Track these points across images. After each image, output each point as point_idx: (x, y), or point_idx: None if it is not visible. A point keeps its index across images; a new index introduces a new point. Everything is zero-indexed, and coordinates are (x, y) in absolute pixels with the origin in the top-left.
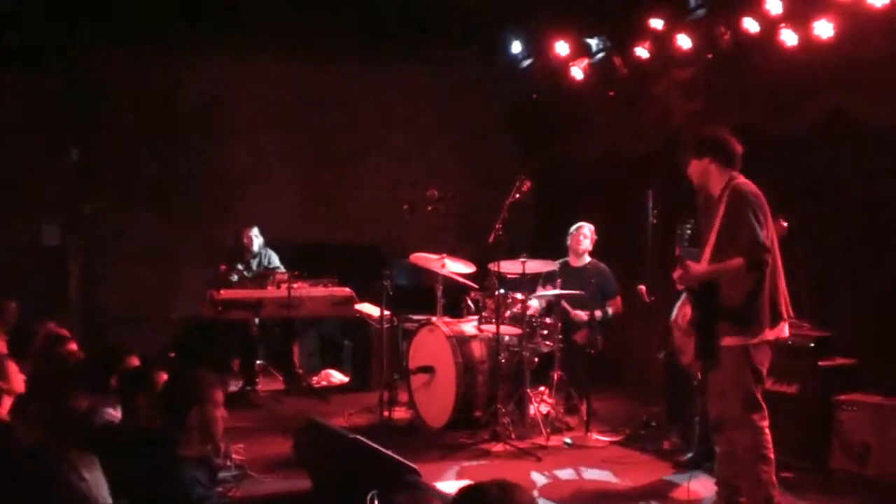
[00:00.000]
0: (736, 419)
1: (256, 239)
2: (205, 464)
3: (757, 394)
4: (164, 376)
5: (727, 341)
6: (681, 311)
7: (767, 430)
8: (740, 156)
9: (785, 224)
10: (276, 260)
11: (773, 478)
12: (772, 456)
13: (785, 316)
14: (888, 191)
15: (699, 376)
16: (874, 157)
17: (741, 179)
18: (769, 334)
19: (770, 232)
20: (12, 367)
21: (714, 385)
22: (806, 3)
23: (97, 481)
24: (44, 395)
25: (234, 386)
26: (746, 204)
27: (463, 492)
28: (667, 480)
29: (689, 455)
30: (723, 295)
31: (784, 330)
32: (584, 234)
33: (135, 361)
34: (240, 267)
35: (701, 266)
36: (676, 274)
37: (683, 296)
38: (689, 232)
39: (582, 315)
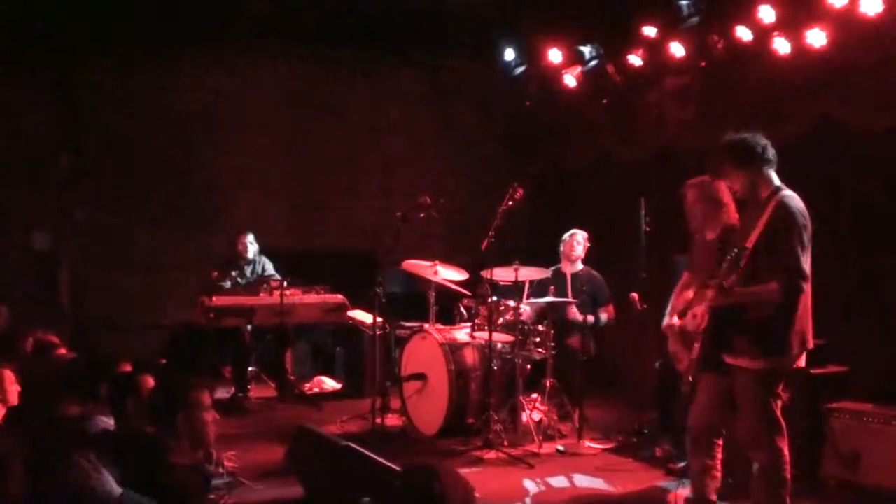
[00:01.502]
0: (761, 440)
1: (251, 246)
2: (197, 471)
3: (778, 414)
4: (152, 382)
5: (746, 363)
6: (691, 315)
7: (786, 451)
8: (776, 157)
9: None
10: (270, 268)
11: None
12: (789, 477)
13: (809, 345)
14: (880, 198)
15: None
16: (867, 164)
17: (788, 191)
18: (796, 362)
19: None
20: (8, 377)
21: (715, 391)
22: (799, 11)
23: (101, 475)
24: (35, 402)
25: (226, 393)
26: (794, 224)
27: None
28: (659, 487)
29: (683, 464)
30: (749, 315)
31: (802, 360)
32: (578, 241)
33: (126, 368)
34: (234, 274)
35: (738, 288)
36: (710, 295)
37: (671, 302)
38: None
39: (577, 314)
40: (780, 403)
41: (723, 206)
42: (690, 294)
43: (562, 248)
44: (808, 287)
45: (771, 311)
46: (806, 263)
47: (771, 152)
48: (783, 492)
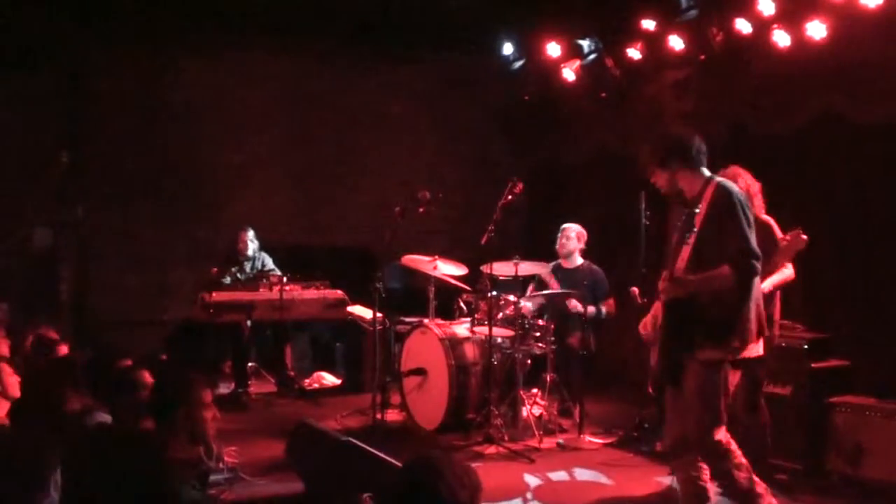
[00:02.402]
0: (702, 438)
1: (252, 243)
2: (195, 466)
3: (722, 408)
4: (149, 378)
5: (703, 354)
6: (641, 325)
7: (732, 442)
8: (704, 150)
9: (804, 237)
10: (269, 263)
11: (753, 479)
12: (744, 461)
13: (765, 333)
14: (881, 191)
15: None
16: (867, 157)
17: (721, 178)
18: (750, 350)
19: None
20: (7, 371)
21: (678, 403)
22: (798, 3)
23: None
24: (36, 398)
25: (226, 388)
26: (735, 205)
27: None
28: (659, 482)
29: None
30: (702, 304)
31: (759, 348)
32: (568, 236)
33: (127, 364)
34: (234, 270)
35: (690, 277)
36: (662, 285)
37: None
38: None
39: (578, 306)
40: (726, 404)
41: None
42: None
43: (556, 245)
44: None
45: (724, 296)
46: (754, 244)
47: (699, 149)
48: (746, 473)
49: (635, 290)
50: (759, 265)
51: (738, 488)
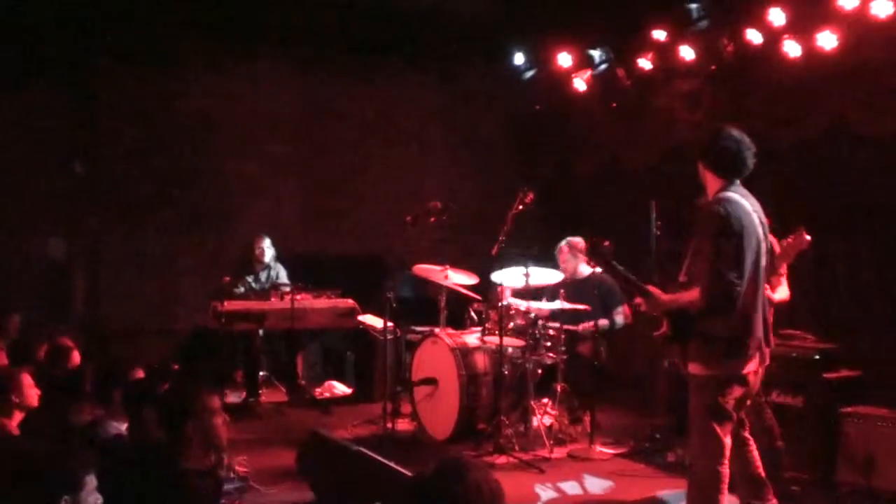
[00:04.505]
0: (694, 449)
1: (268, 250)
2: (210, 476)
3: (717, 431)
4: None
5: (692, 368)
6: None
7: (724, 471)
8: (738, 159)
9: (808, 237)
10: (283, 275)
11: None
12: (723, 498)
13: (767, 346)
14: (892, 201)
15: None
16: (877, 167)
17: (725, 194)
18: (740, 368)
19: (750, 260)
20: (27, 381)
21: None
22: (809, 14)
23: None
24: (49, 408)
25: (237, 397)
26: (707, 230)
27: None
28: (671, 493)
29: None
30: (694, 320)
31: (765, 359)
32: (565, 258)
33: (139, 374)
34: (249, 279)
35: (664, 295)
36: (637, 300)
37: None
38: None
39: (587, 325)
40: (726, 425)
41: None
42: None
43: (559, 268)
44: (751, 291)
45: (710, 316)
46: (733, 268)
47: (721, 155)
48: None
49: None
50: (733, 292)
51: None
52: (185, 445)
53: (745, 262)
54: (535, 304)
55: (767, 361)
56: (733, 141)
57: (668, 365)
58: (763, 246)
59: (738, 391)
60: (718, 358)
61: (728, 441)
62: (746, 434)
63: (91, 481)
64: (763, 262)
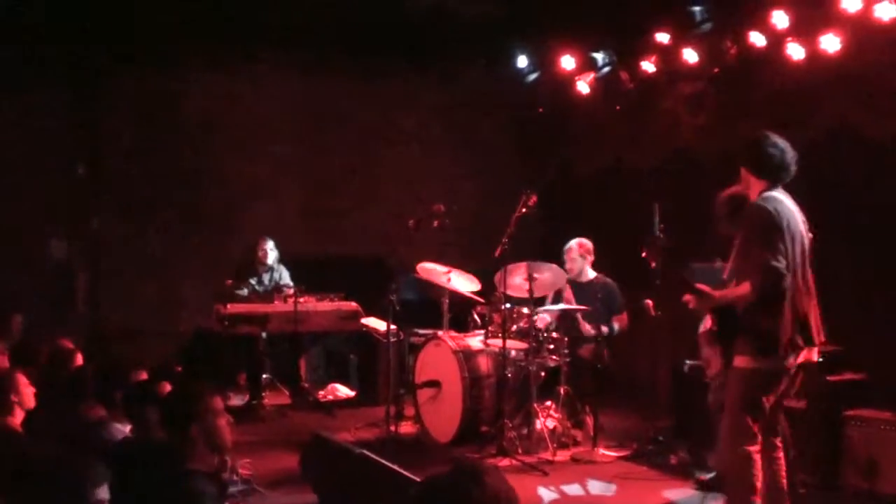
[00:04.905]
0: (725, 442)
1: (271, 252)
2: (214, 477)
3: (749, 423)
4: (169, 389)
5: (738, 361)
6: (704, 323)
7: (757, 457)
8: (782, 166)
9: (810, 235)
10: (286, 278)
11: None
12: (759, 484)
13: (815, 341)
14: (894, 203)
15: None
16: (881, 170)
17: (769, 194)
18: (788, 362)
19: (797, 255)
20: (22, 381)
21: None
22: (813, 16)
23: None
24: (52, 409)
25: (241, 400)
26: (755, 225)
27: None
28: (675, 496)
29: (712, 475)
30: (739, 314)
31: (811, 355)
32: (572, 258)
33: (142, 376)
34: (252, 281)
35: (716, 292)
36: (686, 297)
37: None
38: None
39: (589, 329)
40: (760, 419)
41: None
42: None
43: (565, 268)
44: (795, 282)
45: (757, 309)
46: (781, 263)
47: (762, 158)
48: (754, 497)
49: (649, 302)
50: (783, 282)
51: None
52: (190, 447)
53: (790, 257)
54: (541, 309)
55: (815, 358)
56: (777, 148)
57: (688, 370)
58: (806, 244)
59: (781, 385)
60: (766, 351)
61: (758, 433)
62: (778, 441)
63: (102, 491)
64: (806, 259)
